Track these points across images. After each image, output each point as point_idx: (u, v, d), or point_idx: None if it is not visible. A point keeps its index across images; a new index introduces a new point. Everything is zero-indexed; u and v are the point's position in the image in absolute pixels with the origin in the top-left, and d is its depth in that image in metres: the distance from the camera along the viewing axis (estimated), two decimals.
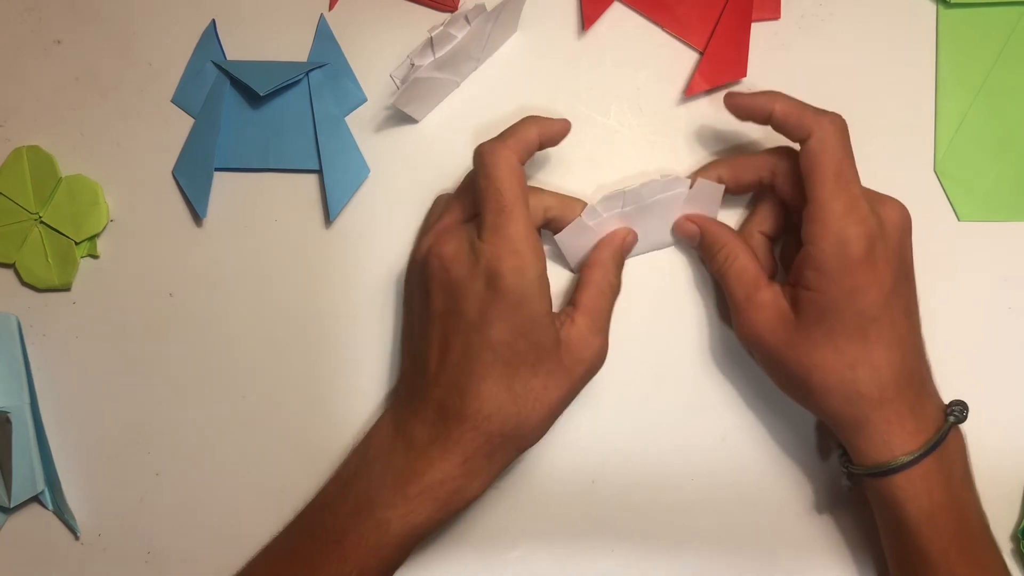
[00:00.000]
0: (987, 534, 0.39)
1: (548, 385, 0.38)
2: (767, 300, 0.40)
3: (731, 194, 0.42)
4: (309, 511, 0.41)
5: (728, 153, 0.45)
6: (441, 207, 0.43)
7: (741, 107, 0.40)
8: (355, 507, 0.38)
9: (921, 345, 0.39)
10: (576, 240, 0.42)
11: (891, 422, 0.37)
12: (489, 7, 0.43)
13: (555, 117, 0.40)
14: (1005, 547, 0.43)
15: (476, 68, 0.45)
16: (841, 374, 0.38)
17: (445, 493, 0.38)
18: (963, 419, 0.38)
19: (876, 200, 0.38)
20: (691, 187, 0.41)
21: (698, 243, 0.43)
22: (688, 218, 0.43)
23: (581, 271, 0.42)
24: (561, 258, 0.44)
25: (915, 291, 0.39)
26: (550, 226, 0.42)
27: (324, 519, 0.40)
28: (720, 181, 0.42)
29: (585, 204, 0.42)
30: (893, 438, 0.37)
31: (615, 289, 0.42)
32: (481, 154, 0.38)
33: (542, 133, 0.39)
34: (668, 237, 0.44)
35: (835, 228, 0.37)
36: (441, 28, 0.42)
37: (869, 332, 0.37)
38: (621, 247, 0.42)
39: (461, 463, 0.38)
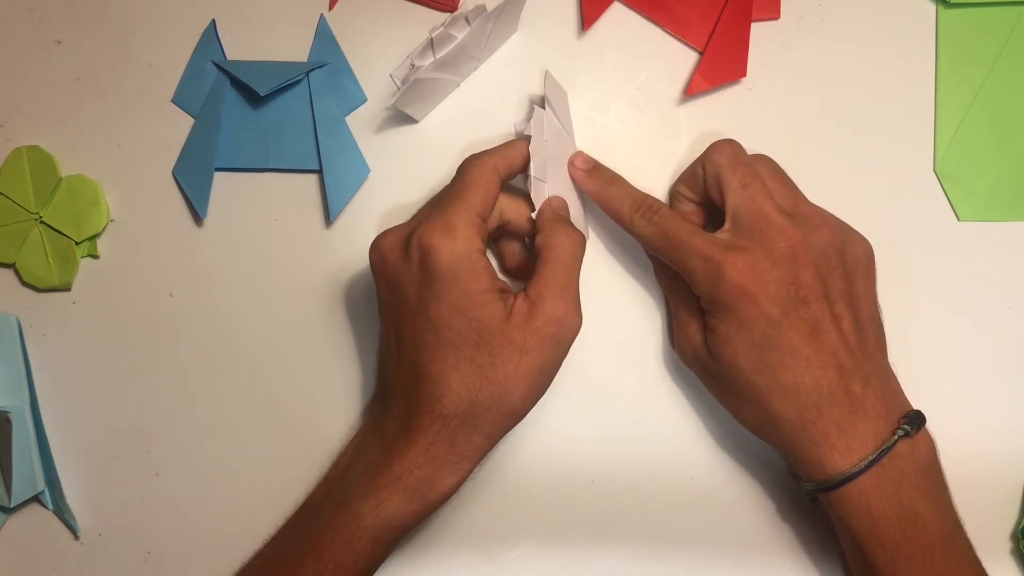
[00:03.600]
0: (953, 541, 0.38)
1: (495, 362, 0.37)
2: (685, 338, 0.42)
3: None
4: (298, 513, 0.41)
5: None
6: None
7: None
8: (335, 505, 0.39)
9: (849, 363, 0.38)
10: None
11: (818, 444, 0.38)
12: (489, 7, 0.43)
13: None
14: (1005, 547, 0.43)
15: (476, 68, 0.45)
16: (759, 402, 0.38)
17: (413, 483, 0.37)
18: (910, 434, 0.37)
19: (765, 228, 0.38)
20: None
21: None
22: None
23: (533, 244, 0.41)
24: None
25: (838, 310, 0.38)
26: (506, 228, 0.42)
27: (307, 519, 0.40)
28: (688, 199, 0.42)
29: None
30: (824, 458, 0.38)
31: (569, 253, 0.39)
32: (465, 160, 0.40)
33: (526, 154, 0.40)
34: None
35: (709, 271, 0.38)
36: (441, 29, 0.43)
37: (770, 360, 0.38)
38: (553, 207, 0.41)
39: (424, 450, 0.37)
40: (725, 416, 0.44)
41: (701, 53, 0.45)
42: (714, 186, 0.40)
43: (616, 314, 0.44)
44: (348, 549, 0.37)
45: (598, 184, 0.42)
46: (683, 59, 0.45)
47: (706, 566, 0.44)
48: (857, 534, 0.38)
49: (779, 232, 0.38)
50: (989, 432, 0.43)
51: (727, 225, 0.39)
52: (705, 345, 0.40)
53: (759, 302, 0.37)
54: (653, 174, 0.45)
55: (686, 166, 0.44)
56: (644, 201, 0.41)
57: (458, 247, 0.37)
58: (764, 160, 0.41)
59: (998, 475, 0.43)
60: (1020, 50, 0.45)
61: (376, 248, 0.39)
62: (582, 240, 0.40)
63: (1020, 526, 0.43)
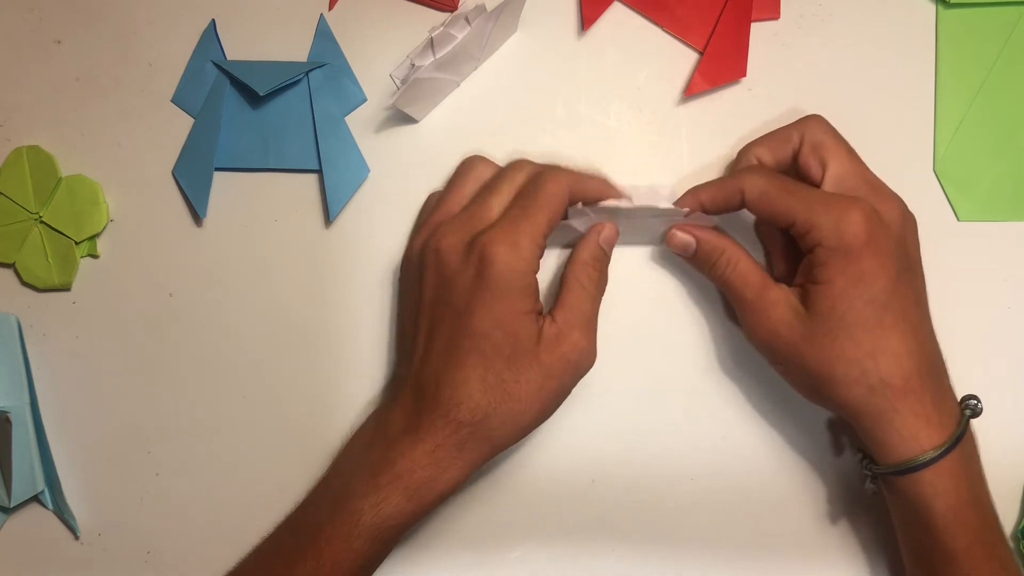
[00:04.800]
0: (1003, 531, 0.39)
1: (520, 379, 0.38)
2: (778, 297, 0.39)
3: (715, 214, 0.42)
4: (296, 510, 0.41)
5: (727, 155, 0.45)
6: (433, 203, 0.43)
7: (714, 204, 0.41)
8: (332, 501, 0.39)
9: (934, 337, 0.39)
10: (556, 234, 0.42)
11: (917, 415, 0.37)
12: (489, 7, 0.43)
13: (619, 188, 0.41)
14: None
15: (476, 68, 0.45)
16: (863, 364, 0.37)
17: (415, 482, 0.37)
18: (978, 413, 0.38)
19: (874, 196, 0.39)
20: (685, 216, 0.41)
21: (692, 253, 0.42)
22: (681, 228, 0.42)
23: (563, 272, 0.41)
24: None
25: (923, 284, 0.40)
26: None
27: (307, 516, 0.40)
28: (704, 209, 0.41)
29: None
30: (920, 432, 0.37)
31: (598, 287, 0.41)
32: (544, 171, 0.40)
33: (601, 192, 0.41)
34: (656, 240, 0.44)
35: (833, 214, 0.37)
36: (441, 28, 0.43)
37: (884, 319, 0.37)
38: (600, 244, 0.41)
39: (431, 451, 0.37)
40: (725, 416, 0.44)
41: (701, 53, 0.45)
42: (813, 154, 0.40)
43: (616, 315, 0.44)
44: (347, 547, 0.37)
45: (699, 195, 0.41)
46: (683, 59, 0.45)
47: (706, 566, 0.44)
48: (941, 516, 0.37)
49: (891, 198, 0.39)
50: (989, 432, 0.43)
51: (830, 189, 0.39)
52: (803, 305, 0.39)
53: (882, 254, 0.37)
54: (653, 174, 0.45)
55: (686, 166, 0.44)
56: (744, 168, 0.41)
57: (519, 265, 0.37)
58: (824, 126, 0.41)
59: (998, 475, 0.43)
60: (1020, 50, 0.45)
61: (435, 248, 0.39)
62: (607, 276, 0.42)
63: (1020, 526, 0.43)
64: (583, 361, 0.39)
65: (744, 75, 0.44)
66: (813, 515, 0.44)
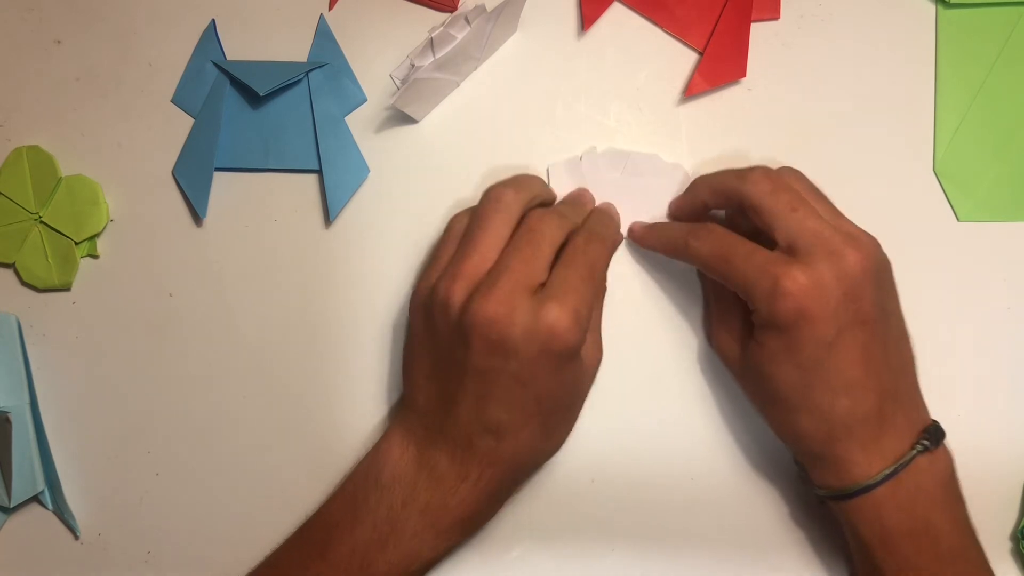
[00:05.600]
0: (966, 553, 0.38)
1: (576, 415, 0.41)
2: (724, 339, 0.42)
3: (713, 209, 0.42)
4: (318, 528, 0.40)
5: (727, 155, 0.45)
6: (457, 235, 0.40)
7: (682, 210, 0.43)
8: (377, 535, 0.38)
9: (890, 385, 0.38)
10: (565, 175, 0.44)
11: (841, 457, 0.37)
12: (489, 7, 0.43)
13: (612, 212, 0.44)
14: (1004, 547, 0.43)
15: (476, 68, 0.45)
16: (787, 417, 0.38)
17: (472, 524, 0.40)
18: (929, 449, 0.37)
19: (825, 251, 0.36)
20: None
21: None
22: (674, 205, 0.44)
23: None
24: None
25: (882, 330, 0.37)
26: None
27: (339, 541, 0.39)
28: (705, 205, 0.41)
29: None
30: (843, 471, 0.38)
31: (601, 295, 0.43)
32: (599, 239, 0.40)
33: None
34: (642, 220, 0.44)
35: (765, 286, 0.36)
36: (441, 28, 0.43)
37: (811, 382, 0.37)
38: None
39: (489, 496, 0.39)
40: (725, 417, 0.44)
41: (701, 53, 0.45)
42: (758, 216, 0.38)
43: (616, 315, 0.44)
44: None
45: (655, 232, 0.43)
46: (683, 59, 0.45)
47: (706, 566, 0.44)
48: (868, 542, 0.38)
49: (843, 249, 0.36)
50: (989, 432, 0.43)
51: (781, 248, 0.37)
52: (745, 351, 0.40)
53: (816, 323, 0.36)
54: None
55: (686, 166, 0.44)
56: (697, 225, 0.41)
57: (580, 335, 0.37)
58: (797, 176, 0.40)
59: (998, 475, 0.43)
60: (1020, 50, 0.45)
61: (483, 316, 0.36)
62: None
63: (1020, 526, 0.43)
64: (596, 372, 0.42)
65: (744, 75, 0.44)
66: (813, 515, 0.44)
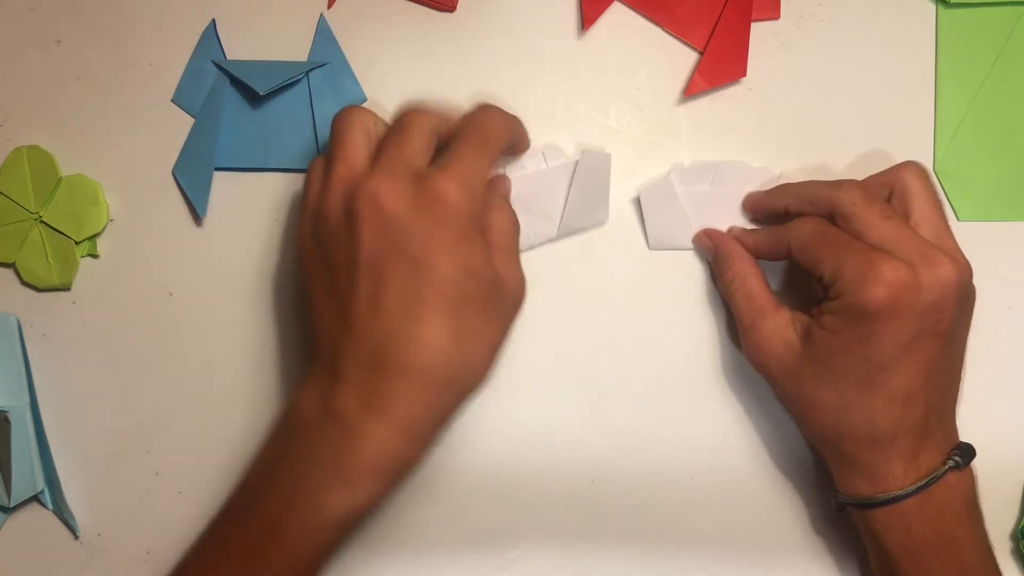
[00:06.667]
0: (986, 569, 0.38)
1: (492, 326, 0.36)
2: (771, 329, 0.40)
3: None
4: (238, 496, 0.38)
5: (727, 154, 0.45)
6: (323, 165, 0.38)
7: (759, 208, 0.43)
8: (286, 492, 0.35)
9: (938, 402, 0.38)
10: (656, 197, 0.43)
11: (878, 464, 0.38)
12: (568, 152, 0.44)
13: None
14: (1005, 547, 0.43)
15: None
16: (836, 415, 0.38)
17: (388, 466, 0.34)
18: (960, 467, 0.38)
19: (925, 258, 0.36)
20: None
21: (712, 257, 0.44)
22: (706, 233, 0.43)
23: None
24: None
25: (950, 350, 0.37)
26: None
27: (255, 505, 0.36)
28: (786, 210, 0.41)
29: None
30: (877, 479, 0.38)
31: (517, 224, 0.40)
32: (495, 108, 0.39)
33: (525, 138, 0.42)
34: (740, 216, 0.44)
35: (861, 271, 0.36)
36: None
37: (874, 380, 0.37)
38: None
39: (404, 429, 0.34)
40: (726, 416, 0.44)
41: (701, 53, 0.45)
42: (848, 223, 0.38)
43: (616, 315, 0.44)
44: (312, 540, 0.35)
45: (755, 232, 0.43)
46: (683, 59, 0.45)
47: (706, 566, 0.44)
48: (892, 552, 0.38)
49: (941, 259, 0.36)
50: (989, 432, 0.43)
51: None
52: (802, 339, 0.39)
53: (901, 319, 0.35)
54: (653, 174, 0.45)
55: (686, 165, 0.44)
56: (794, 222, 0.40)
57: (476, 205, 0.35)
58: (917, 172, 0.39)
59: (998, 475, 0.43)
60: (1020, 50, 0.45)
61: (370, 197, 0.34)
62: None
63: (1020, 526, 0.43)
64: (522, 297, 0.38)
65: (744, 75, 0.44)
66: (814, 515, 0.44)
